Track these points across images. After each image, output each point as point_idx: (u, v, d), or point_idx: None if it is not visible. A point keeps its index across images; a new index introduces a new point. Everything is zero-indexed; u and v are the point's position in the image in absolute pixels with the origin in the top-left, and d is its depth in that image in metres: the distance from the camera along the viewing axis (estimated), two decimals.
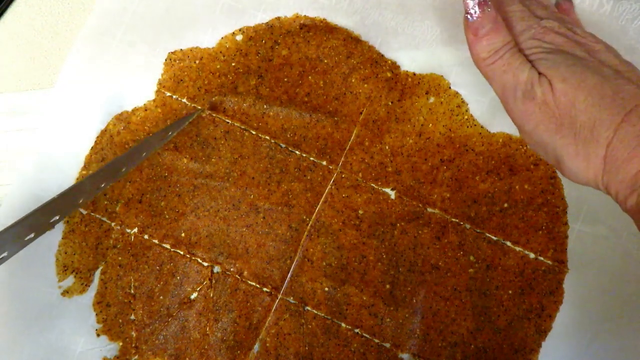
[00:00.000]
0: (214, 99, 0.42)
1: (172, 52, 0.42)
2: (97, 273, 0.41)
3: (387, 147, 0.42)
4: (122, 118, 0.42)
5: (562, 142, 0.30)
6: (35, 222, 0.34)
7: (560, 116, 0.29)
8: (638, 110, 0.28)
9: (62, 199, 0.35)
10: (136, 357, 0.41)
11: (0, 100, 0.42)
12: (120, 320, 0.41)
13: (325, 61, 0.42)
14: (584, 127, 0.29)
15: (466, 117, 0.42)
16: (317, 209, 0.42)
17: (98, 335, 0.41)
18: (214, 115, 0.42)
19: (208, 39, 0.42)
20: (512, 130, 0.41)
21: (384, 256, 0.41)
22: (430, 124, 0.42)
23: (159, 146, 0.41)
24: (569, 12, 0.39)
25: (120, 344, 0.41)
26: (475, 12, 0.32)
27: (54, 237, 0.41)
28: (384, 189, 0.42)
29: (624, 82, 0.29)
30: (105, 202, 0.41)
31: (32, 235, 0.34)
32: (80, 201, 0.38)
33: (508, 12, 0.34)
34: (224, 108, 0.42)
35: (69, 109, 0.41)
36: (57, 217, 0.36)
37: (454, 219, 0.41)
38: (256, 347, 0.41)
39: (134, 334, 0.41)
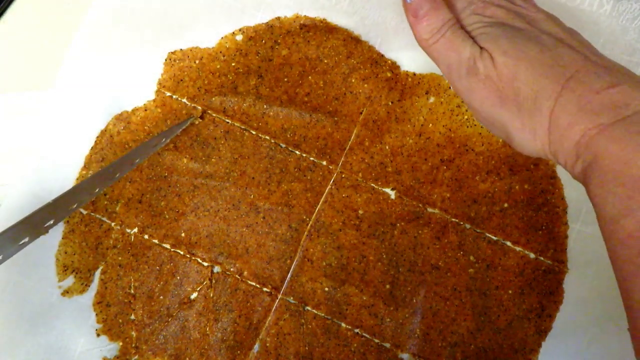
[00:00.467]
0: (213, 99, 0.42)
1: (172, 52, 0.42)
2: (97, 273, 0.41)
3: (387, 147, 0.42)
4: (122, 118, 0.42)
5: (507, 115, 0.30)
6: (30, 226, 0.34)
7: (504, 90, 0.29)
8: (578, 75, 0.27)
9: (55, 204, 0.35)
10: (136, 357, 0.41)
11: (0, 100, 0.42)
12: (120, 320, 0.41)
13: (325, 61, 0.42)
14: (527, 99, 0.28)
15: (466, 117, 0.42)
16: (317, 209, 0.42)
17: (98, 335, 0.41)
18: (214, 115, 0.42)
19: (208, 38, 0.42)
20: None
21: (384, 256, 0.41)
22: (430, 124, 0.42)
23: (152, 152, 0.41)
24: None
25: (120, 344, 0.41)
26: None
27: (54, 237, 0.41)
28: (384, 189, 0.42)
29: (565, 49, 0.29)
30: (105, 202, 0.41)
31: (26, 239, 0.34)
32: (74, 206, 0.38)
33: None
34: (224, 108, 0.42)
35: (69, 109, 0.41)
36: (52, 222, 0.36)
37: (454, 219, 0.41)
38: (256, 347, 0.41)
39: (134, 334, 0.41)
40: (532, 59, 0.28)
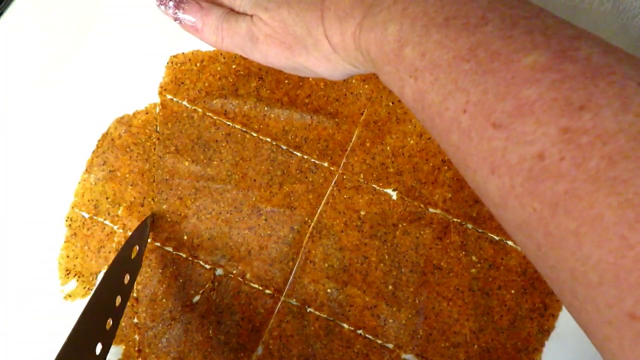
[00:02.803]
0: (214, 101, 0.42)
1: (173, 55, 0.42)
2: (100, 277, 0.41)
3: (388, 148, 0.42)
4: (124, 121, 0.42)
5: (301, 58, 0.32)
6: None
7: (285, 39, 0.32)
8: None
9: None
10: None
11: (1, 102, 0.42)
12: (123, 324, 0.41)
13: None
14: (304, 36, 0.31)
15: None
16: (319, 210, 0.42)
17: None
18: (215, 117, 0.42)
19: None
20: None
21: (386, 257, 0.41)
22: None
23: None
24: None
25: (124, 347, 0.41)
26: (178, 15, 0.35)
27: (57, 240, 0.41)
28: (385, 190, 0.42)
29: None
30: (108, 206, 0.41)
31: None
32: None
33: None
34: (225, 110, 0.42)
35: (70, 111, 0.41)
36: None
37: (455, 219, 0.41)
38: (259, 349, 0.41)
39: (137, 337, 0.41)
40: (289, 2, 0.31)
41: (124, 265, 0.37)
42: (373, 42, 0.26)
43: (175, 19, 0.36)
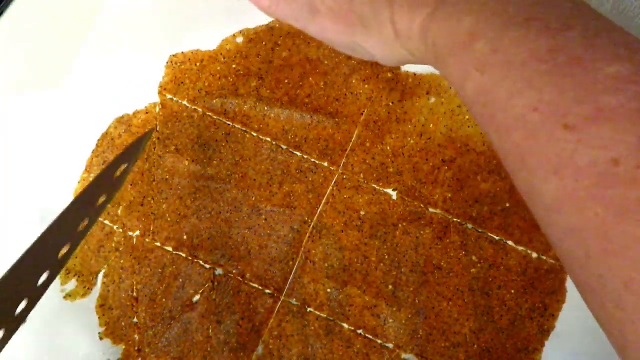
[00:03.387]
0: (214, 101, 0.42)
1: (173, 55, 0.42)
2: (100, 276, 0.41)
3: (388, 148, 0.42)
4: (124, 121, 0.42)
5: (361, 38, 0.31)
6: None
7: (347, 16, 0.31)
8: None
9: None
10: None
11: (1, 102, 0.42)
12: (123, 324, 0.41)
13: (326, 62, 0.42)
14: (369, 17, 0.30)
15: (467, 117, 0.42)
16: (319, 210, 0.42)
17: (101, 338, 0.41)
18: (215, 117, 0.42)
19: (209, 41, 0.42)
20: None
21: (386, 257, 0.41)
22: (432, 124, 0.42)
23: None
24: None
25: (123, 347, 0.41)
26: None
27: None
28: (385, 190, 0.42)
29: None
30: (107, 205, 0.41)
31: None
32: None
33: None
34: (225, 110, 0.42)
35: (70, 111, 0.41)
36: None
37: (456, 219, 0.41)
38: (259, 349, 0.41)
39: (137, 337, 0.41)
40: None
41: (102, 186, 0.33)
42: (443, 33, 0.26)
43: None
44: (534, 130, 0.21)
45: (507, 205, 0.41)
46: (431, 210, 0.42)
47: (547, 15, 0.22)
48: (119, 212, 0.41)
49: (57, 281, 0.41)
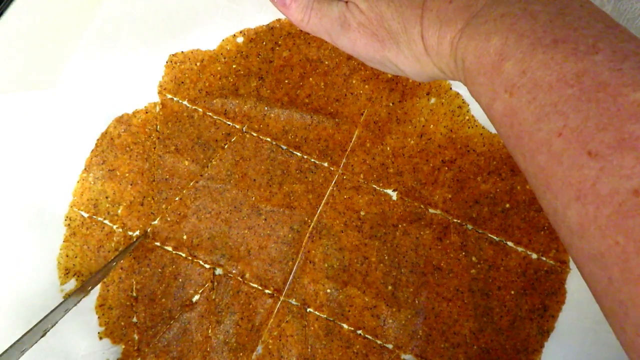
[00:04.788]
0: (214, 101, 0.42)
1: (173, 55, 0.42)
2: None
3: (388, 148, 0.42)
4: (123, 120, 0.42)
5: (391, 54, 0.31)
6: None
7: (378, 31, 0.31)
8: None
9: None
10: (138, 359, 0.41)
11: (0, 101, 0.42)
12: (123, 323, 0.41)
13: (326, 62, 0.42)
14: (399, 32, 0.30)
15: (467, 117, 0.42)
16: (319, 210, 0.42)
17: (100, 338, 0.41)
18: (215, 117, 0.42)
19: (209, 41, 0.42)
20: None
21: (386, 257, 0.41)
22: (432, 125, 0.42)
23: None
24: None
25: (123, 346, 0.41)
26: None
27: (56, 240, 0.41)
28: (385, 190, 0.42)
29: None
30: (107, 205, 0.41)
31: None
32: None
33: None
34: (225, 110, 0.42)
35: (70, 111, 0.41)
36: None
37: (455, 220, 0.41)
38: (259, 349, 0.41)
39: (136, 336, 0.41)
40: None
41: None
42: (472, 51, 0.26)
43: None
44: (558, 155, 0.21)
45: (507, 206, 0.41)
46: (431, 210, 0.42)
47: (575, 37, 0.22)
48: (119, 212, 0.41)
49: (57, 281, 0.41)
